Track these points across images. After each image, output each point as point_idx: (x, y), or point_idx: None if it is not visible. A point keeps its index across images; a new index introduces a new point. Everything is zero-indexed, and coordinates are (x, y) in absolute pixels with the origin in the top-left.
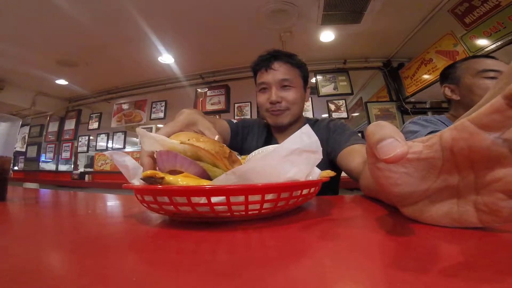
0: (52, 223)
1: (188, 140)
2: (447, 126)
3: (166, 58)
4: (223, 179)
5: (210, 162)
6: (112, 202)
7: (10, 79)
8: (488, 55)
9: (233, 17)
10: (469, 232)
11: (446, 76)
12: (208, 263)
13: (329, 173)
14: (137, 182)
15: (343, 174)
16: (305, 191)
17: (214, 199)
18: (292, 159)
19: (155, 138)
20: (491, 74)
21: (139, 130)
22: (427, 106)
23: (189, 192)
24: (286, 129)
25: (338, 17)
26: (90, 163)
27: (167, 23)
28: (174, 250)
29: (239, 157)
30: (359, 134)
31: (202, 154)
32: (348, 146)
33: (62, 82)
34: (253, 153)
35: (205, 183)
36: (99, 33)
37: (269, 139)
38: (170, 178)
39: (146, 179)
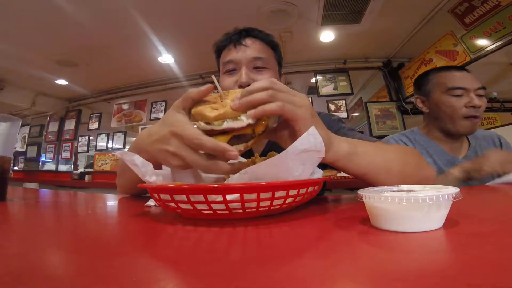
0: (52, 223)
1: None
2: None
3: (166, 58)
4: (237, 178)
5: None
6: (111, 202)
7: (10, 79)
8: (459, 66)
9: (233, 17)
10: (464, 238)
11: (419, 86)
12: (208, 263)
13: (331, 171)
14: (150, 179)
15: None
16: (310, 189)
17: (229, 197)
18: (300, 159)
19: None
20: (458, 92)
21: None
22: None
23: (205, 190)
24: None
25: (338, 17)
26: (90, 164)
27: (167, 23)
28: (174, 250)
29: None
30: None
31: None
32: None
33: (62, 82)
34: None
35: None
36: (99, 33)
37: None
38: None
39: None
